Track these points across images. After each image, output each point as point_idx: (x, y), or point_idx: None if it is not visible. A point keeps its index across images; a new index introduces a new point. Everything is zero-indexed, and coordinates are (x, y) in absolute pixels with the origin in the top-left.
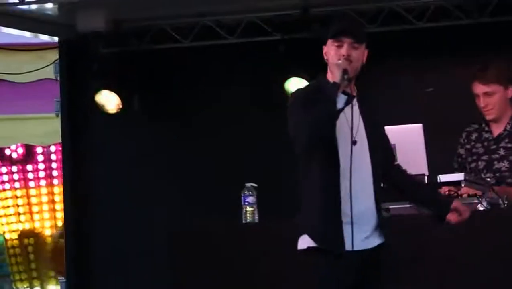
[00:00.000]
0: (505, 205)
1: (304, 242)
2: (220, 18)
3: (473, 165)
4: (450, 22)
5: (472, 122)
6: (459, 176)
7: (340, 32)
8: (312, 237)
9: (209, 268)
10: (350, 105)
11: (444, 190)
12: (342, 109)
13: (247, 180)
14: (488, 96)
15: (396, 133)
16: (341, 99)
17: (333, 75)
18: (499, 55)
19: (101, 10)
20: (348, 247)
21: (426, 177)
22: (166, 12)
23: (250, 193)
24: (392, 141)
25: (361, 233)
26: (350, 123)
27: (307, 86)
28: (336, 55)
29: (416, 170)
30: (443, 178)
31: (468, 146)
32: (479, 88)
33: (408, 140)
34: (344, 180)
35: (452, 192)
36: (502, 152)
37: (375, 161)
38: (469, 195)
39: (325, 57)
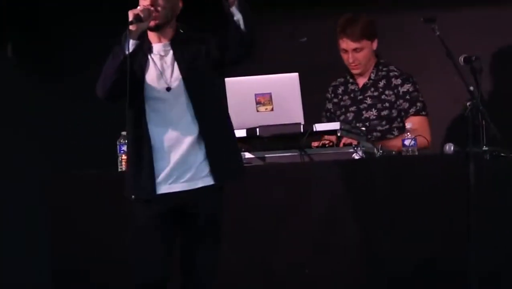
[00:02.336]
0: (380, 154)
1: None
2: None
3: (342, 117)
4: None
5: (338, 77)
6: (335, 125)
7: None
8: (127, 188)
9: (86, 217)
10: (162, 52)
11: (321, 139)
12: (129, 55)
13: (123, 128)
14: (356, 52)
15: (272, 82)
16: (132, 45)
17: None
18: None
19: None
20: (158, 192)
21: (301, 126)
22: None
23: (126, 141)
24: (268, 90)
25: (174, 178)
26: (160, 71)
27: None
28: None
29: (292, 119)
30: (319, 127)
31: (335, 100)
32: (348, 44)
33: (284, 89)
34: (157, 128)
35: (328, 142)
36: (369, 101)
37: (198, 105)
38: (344, 144)
39: None
